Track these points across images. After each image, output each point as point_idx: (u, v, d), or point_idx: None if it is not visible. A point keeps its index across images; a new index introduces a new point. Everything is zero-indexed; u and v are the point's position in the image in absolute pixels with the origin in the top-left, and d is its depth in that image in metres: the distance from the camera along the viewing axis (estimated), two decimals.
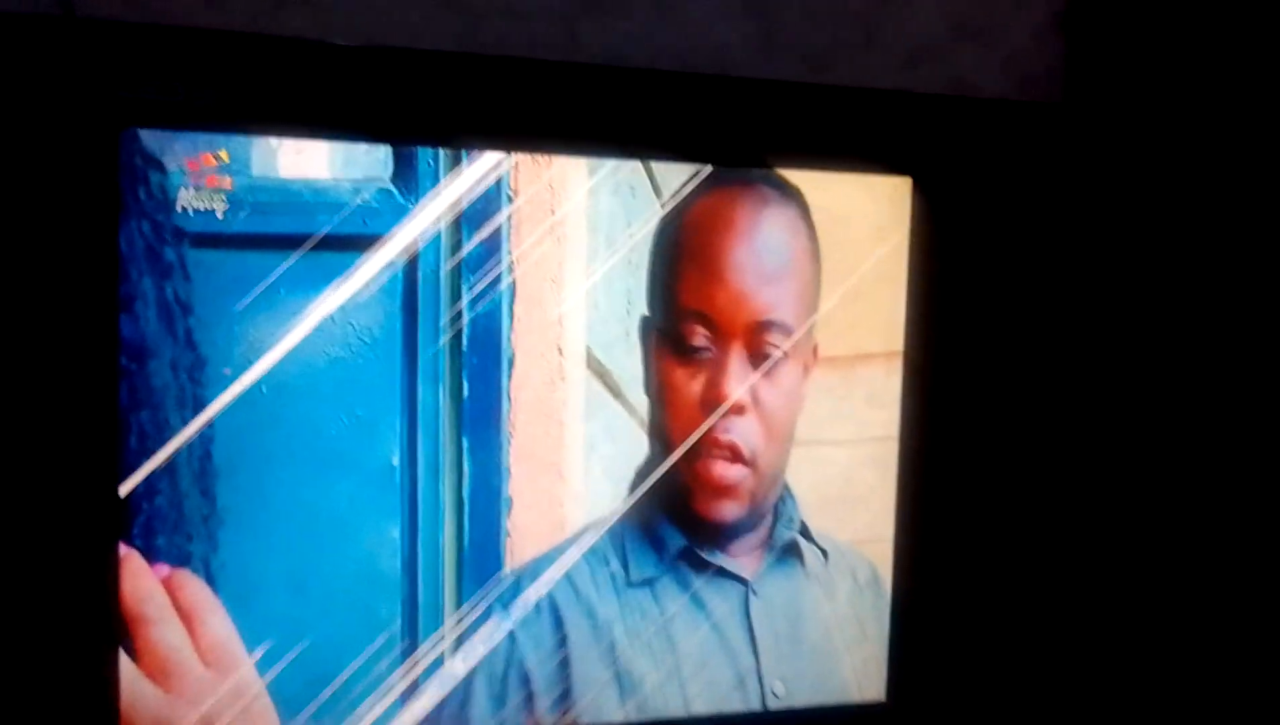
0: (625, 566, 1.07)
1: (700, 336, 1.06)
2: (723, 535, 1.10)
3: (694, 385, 1.06)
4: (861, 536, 1.16)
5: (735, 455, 1.08)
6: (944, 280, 1.15)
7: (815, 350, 1.11)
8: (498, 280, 1.02)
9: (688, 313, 1.06)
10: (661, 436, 1.07)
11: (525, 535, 1.05)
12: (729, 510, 1.09)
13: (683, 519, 1.09)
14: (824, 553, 1.14)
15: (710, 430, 1.07)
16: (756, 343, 1.07)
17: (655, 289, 1.06)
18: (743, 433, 1.07)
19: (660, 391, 1.06)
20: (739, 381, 1.06)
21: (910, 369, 1.15)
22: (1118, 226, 1.19)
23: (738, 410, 1.07)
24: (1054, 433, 1.22)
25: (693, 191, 1.06)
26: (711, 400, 1.06)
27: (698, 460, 1.07)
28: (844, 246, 1.12)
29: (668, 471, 1.07)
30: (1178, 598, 1.22)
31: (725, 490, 1.09)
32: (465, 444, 1.02)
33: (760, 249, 1.07)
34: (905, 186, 1.14)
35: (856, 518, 1.15)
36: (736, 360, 1.06)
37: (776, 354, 1.07)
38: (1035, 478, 1.22)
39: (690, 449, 1.07)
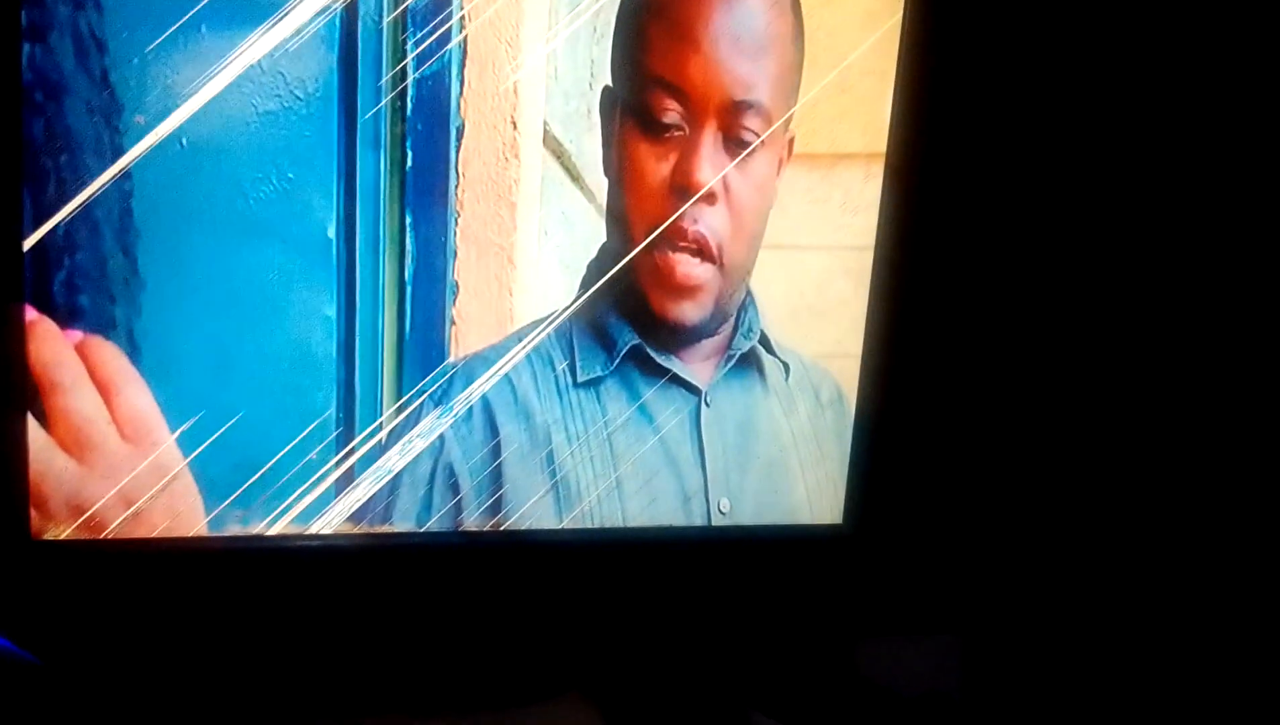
0: (571, 365, 1.01)
1: (671, 112, 0.96)
2: (679, 338, 1.04)
3: (661, 167, 0.97)
4: (829, 351, 1.10)
5: (702, 249, 1.00)
6: (936, 76, 1.06)
7: (790, 144, 1.03)
8: (446, 37, 0.92)
9: (657, 83, 0.96)
10: (622, 224, 0.99)
11: (471, 324, 0.98)
12: (690, 312, 1.02)
13: (637, 317, 1.02)
14: (786, 366, 1.09)
15: (676, 219, 0.98)
16: (732, 125, 0.97)
17: (621, 55, 0.96)
18: (711, 225, 0.99)
19: (622, 173, 0.98)
20: (712, 166, 0.97)
21: (892, 173, 1.07)
22: (1136, 23, 1.10)
23: (708, 199, 0.98)
24: (1043, 253, 1.15)
25: None
26: (681, 185, 0.98)
27: (660, 253, 1.00)
28: (831, 32, 1.02)
29: (625, 264, 1.00)
30: (1157, 426, 1.18)
31: (688, 289, 1.01)
32: (408, 219, 0.94)
33: (742, 20, 0.97)
34: None
35: (825, 331, 1.09)
36: (710, 143, 0.97)
37: (754, 141, 0.98)
38: (1017, 302, 1.16)
39: (652, 240, 0.99)
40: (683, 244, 0.99)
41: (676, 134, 0.97)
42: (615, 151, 0.97)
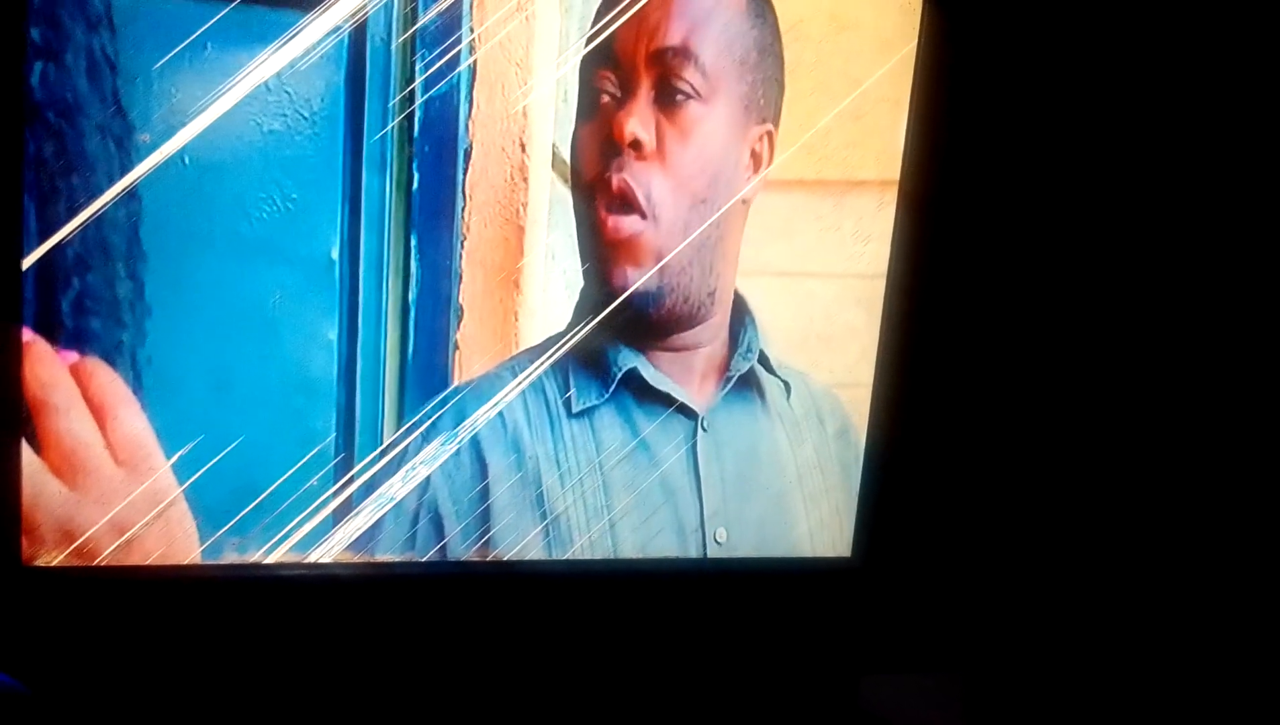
0: (566, 395, 1.00)
1: (607, 80, 0.95)
2: (653, 330, 1.00)
3: (599, 132, 0.96)
4: (839, 380, 1.08)
5: (627, 199, 0.97)
6: (950, 105, 1.04)
7: (769, 138, 1.00)
8: (457, 60, 0.90)
9: (598, 53, 0.94)
10: (574, 196, 0.97)
11: (474, 350, 0.96)
12: (628, 273, 0.98)
13: (624, 329, 0.99)
14: (786, 386, 1.06)
15: (605, 172, 0.96)
16: (662, 74, 0.95)
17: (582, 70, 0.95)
18: (637, 175, 0.96)
19: (573, 149, 0.96)
20: (639, 119, 0.95)
21: (905, 201, 1.05)
22: (1151, 50, 1.09)
23: (635, 147, 0.96)
24: (1060, 284, 1.13)
25: None
26: (607, 141, 0.96)
27: (598, 211, 0.97)
28: (846, 58, 1.01)
29: (586, 245, 0.97)
30: (1171, 465, 1.16)
31: (621, 244, 0.98)
32: (413, 242, 0.93)
33: None
34: None
35: (835, 359, 1.07)
36: (641, 97, 0.95)
37: (689, 95, 0.96)
38: (1033, 334, 1.14)
39: (593, 200, 0.96)
40: (612, 195, 0.97)
41: (611, 100, 0.95)
42: (571, 154, 0.96)
